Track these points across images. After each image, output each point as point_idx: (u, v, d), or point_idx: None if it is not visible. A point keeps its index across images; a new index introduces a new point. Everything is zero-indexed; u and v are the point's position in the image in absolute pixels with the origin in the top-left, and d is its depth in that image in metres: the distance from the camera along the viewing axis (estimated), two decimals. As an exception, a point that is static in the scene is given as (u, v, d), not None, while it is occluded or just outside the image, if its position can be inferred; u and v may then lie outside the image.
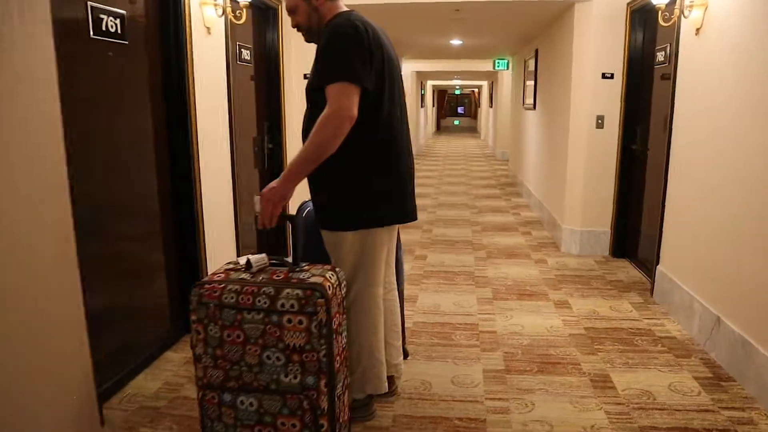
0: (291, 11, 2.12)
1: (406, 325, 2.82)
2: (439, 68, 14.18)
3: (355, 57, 1.91)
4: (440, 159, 14.35)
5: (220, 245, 3.48)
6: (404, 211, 2.19)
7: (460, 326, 3.32)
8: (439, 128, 30.94)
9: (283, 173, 1.98)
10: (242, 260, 1.98)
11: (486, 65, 12.62)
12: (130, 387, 2.58)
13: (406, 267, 4.41)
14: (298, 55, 4.78)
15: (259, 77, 4.41)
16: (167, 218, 3.08)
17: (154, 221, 3.00)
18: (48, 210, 1.83)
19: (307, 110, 2.09)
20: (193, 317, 1.86)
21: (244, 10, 3.45)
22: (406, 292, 3.24)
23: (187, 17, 3.00)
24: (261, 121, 4.50)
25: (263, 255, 1.97)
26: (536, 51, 7.21)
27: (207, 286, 1.85)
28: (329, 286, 1.85)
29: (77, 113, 2.19)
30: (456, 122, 34.19)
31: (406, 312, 2.86)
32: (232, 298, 1.81)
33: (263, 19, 4.39)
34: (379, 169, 2.07)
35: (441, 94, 31.44)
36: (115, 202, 2.67)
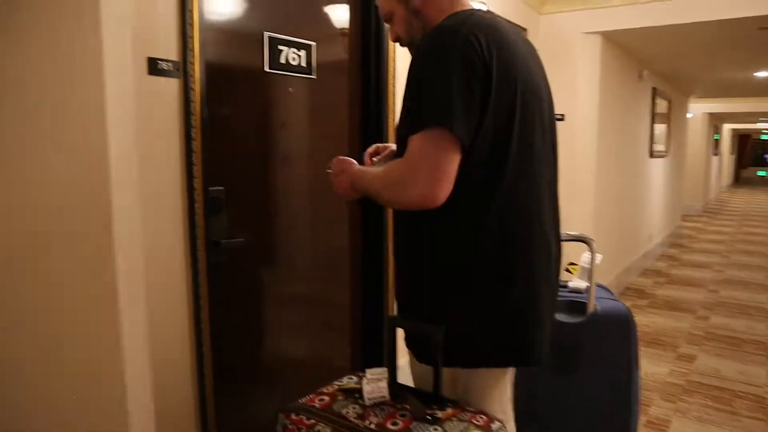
0: (387, 19, 1.45)
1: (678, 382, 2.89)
2: (739, 108, 11.75)
3: (453, 91, 1.16)
4: (735, 218, 11.81)
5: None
6: (530, 347, 1.30)
7: (743, 395, 3.07)
8: (738, 180, 26.35)
9: (362, 173, 1.39)
10: (368, 381, 1.35)
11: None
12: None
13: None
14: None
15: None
16: (357, 273, 2.65)
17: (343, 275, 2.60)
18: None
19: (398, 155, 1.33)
20: (278, 455, 1.29)
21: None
22: (681, 349, 3.40)
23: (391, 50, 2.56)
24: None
25: (383, 382, 1.31)
26: None
27: (293, 417, 1.27)
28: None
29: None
30: (761, 173, 28.81)
31: (680, 369, 3.03)
32: (318, 446, 1.20)
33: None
34: (491, 277, 1.26)
35: (742, 139, 26.79)
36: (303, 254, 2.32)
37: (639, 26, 3.76)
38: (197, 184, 1.80)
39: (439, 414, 1.25)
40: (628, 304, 4.91)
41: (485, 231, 1.24)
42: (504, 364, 1.35)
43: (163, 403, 1.75)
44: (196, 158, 1.78)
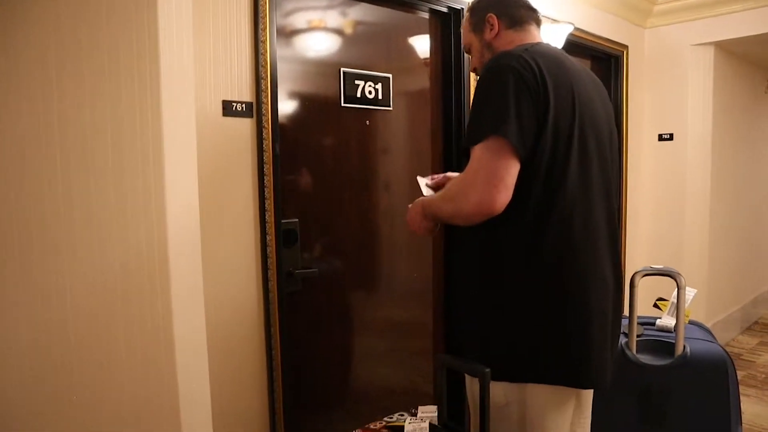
0: (467, 50, 1.58)
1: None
2: None
3: (510, 106, 1.23)
4: None
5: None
6: (585, 367, 1.31)
7: None
8: None
9: (430, 198, 1.47)
10: (410, 421, 1.33)
11: None
12: None
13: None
14: (654, 109, 3.79)
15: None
16: (438, 301, 2.62)
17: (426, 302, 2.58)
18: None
19: None
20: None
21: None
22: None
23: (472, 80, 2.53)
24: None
25: (426, 422, 1.28)
26: None
27: (335, 454, 1.27)
28: None
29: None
30: None
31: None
32: (354, 487, 1.20)
33: (602, 69, 3.61)
34: (544, 297, 1.30)
35: None
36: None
37: (758, 33, 3.42)
38: (269, 217, 1.88)
39: (483, 461, 1.19)
40: (754, 341, 4.44)
41: (540, 252, 1.29)
42: (554, 381, 1.34)
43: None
44: (268, 192, 1.87)
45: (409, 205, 1.54)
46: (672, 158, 3.72)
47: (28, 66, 1.21)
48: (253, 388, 1.89)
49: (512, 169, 1.23)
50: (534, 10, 1.51)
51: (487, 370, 1.24)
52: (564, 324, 1.29)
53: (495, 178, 1.22)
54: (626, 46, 3.56)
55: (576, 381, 1.34)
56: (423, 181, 1.60)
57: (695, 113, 3.67)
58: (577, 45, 3.22)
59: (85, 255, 1.26)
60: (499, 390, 1.34)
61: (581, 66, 1.44)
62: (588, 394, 1.50)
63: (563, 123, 1.28)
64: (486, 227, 1.28)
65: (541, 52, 1.32)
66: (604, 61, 3.57)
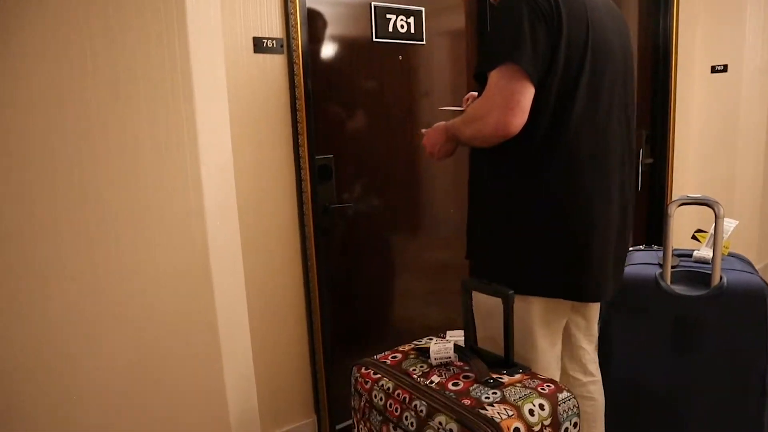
0: None
1: None
2: None
3: (525, 33, 1.27)
4: None
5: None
6: (586, 283, 1.39)
7: None
8: None
9: (452, 122, 1.51)
10: (436, 341, 1.38)
11: None
12: None
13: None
14: (705, 43, 3.59)
15: (642, 73, 3.49)
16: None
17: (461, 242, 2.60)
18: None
19: None
20: (352, 404, 1.38)
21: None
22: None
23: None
24: (638, 129, 3.58)
25: (450, 343, 1.32)
26: None
27: (363, 371, 1.33)
28: (514, 431, 1.08)
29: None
30: None
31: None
32: (380, 399, 1.25)
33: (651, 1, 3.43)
34: (548, 208, 1.36)
35: None
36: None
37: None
38: (303, 152, 1.92)
39: (505, 379, 1.23)
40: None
41: (547, 169, 1.35)
42: (553, 294, 1.42)
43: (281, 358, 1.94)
44: (301, 128, 1.90)
45: (423, 130, 1.62)
46: (726, 91, 3.53)
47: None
48: (292, 322, 1.99)
49: (527, 93, 1.29)
50: None
51: (511, 292, 1.27)
52: (565, 238, 1.36)
53: (511, 101, 1.28)
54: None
55: (574, 294, 1.41)
56: (464, 101, 1.66)
57: (753, 43, 3.46)
58: (623, -28, 3.06)
59: (121, 188, 1.32)
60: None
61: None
62: (592, 309, 1.60)
63: (575, 51, 1.33)
64: (500, 144, 1.35)
65: None
66: (653, -11, 3.39)
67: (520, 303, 1.36)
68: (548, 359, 1.45)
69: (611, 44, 1.41)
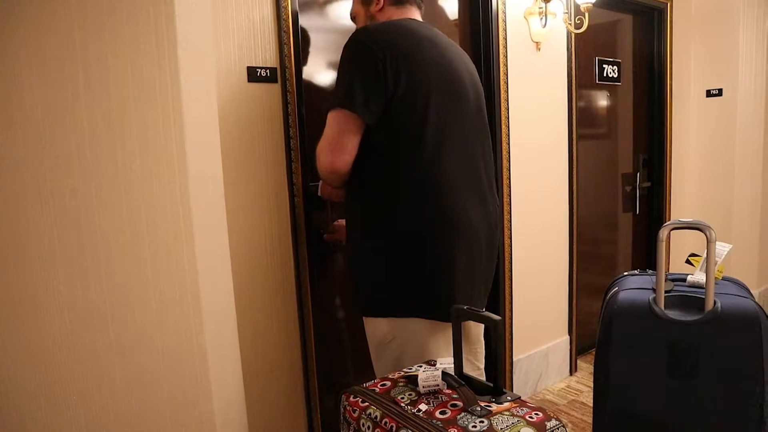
0: (352, 18, 1.77)
1: None
2: None
3: (357, 80, 1.45)
4: None
5: (537, 316, 2.82)
6: (451, 303, 1.42)
7: None
8: None
9: None
10: (424, 369, 1.38)
11: None
12: None
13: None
14: (700, 67, 3.63)
15: (637, 97, 3.53)
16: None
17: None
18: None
19: None
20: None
21: (586, 14, 2.68)
22: None
23: (501, 39, 2.50)
24: (636, 152, 3.62)
25: (438, 371, 1.32)
26: None
27: (351, 399, 1.33)
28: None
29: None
30: None
31: None
32: (368, 428, 1.25)
33: (643, 23, 3.47)
34: (408, 239, 1.52)
35: None
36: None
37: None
38: (296, 179, 1.94)
39: (493, 407, 1.22)
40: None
41: (400, 205, 1.49)
42: (428, 316, 1.55)
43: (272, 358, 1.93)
44: (295, 156, 1.92)
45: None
46: (721, 115, 3.56)
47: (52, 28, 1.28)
48: (286, 349, 1.98)
49: (354, 138, 1.46)
50: None
51: (499, 318, 1.27)
52: (426, 266, 1.51)
53: (337, 144, 1.46)
54: (666, 3, 3.41)
55: (444, 316, 1.50)
56: None
57: (747, 66, 3.49)
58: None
59: (113, 216, 1.34)
60: (384, 326, 1.58)
61: (445, 37, 1.63)
62: (473, 328, 1.72)
63: (419, 89, 1.46)
64: (361, 187, 1.53)
65: (397, 25, 1.52)
66: (646, 14, 3.43)
67: (406, 328, 1.56)
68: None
69: (459, 80, 1.56)
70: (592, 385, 1.81)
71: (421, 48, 1.50)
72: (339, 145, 1.46)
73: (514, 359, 2.64)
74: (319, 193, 1.86)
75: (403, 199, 1.49)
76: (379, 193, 1.51)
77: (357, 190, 1.56)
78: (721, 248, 1.81)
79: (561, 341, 2.99)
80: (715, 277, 1.76)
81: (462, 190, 1.54)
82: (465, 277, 1.56)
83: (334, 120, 1.47)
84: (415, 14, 1.67)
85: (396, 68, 1.43)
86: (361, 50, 1.45)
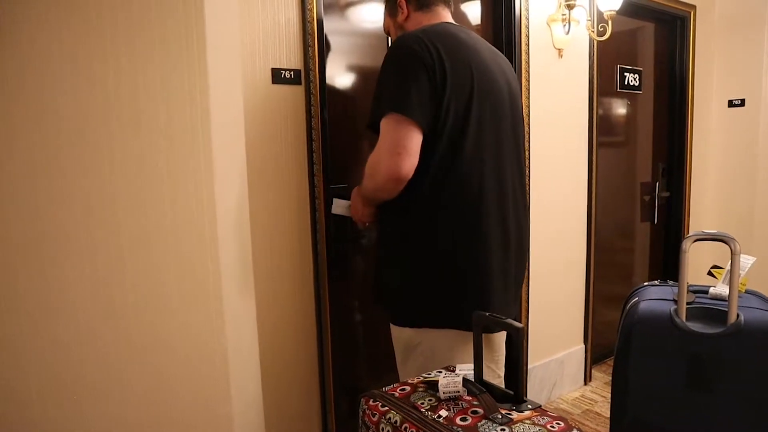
0: (387, 33, 1.77)
1: None
2: None
3: (409, 83, 1.40)
4: None
5: (553, 324, 2.80)
6: (462, 314, 1.43)
7: None
8: None
9: (359, 186, 1.62)
10: (445, 375, 1.37)
11: None
12: None
13: None
14: (722, 78, 3.59)
15: (658, 106, 3.51)
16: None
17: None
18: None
19: None
20: (361, 437, 1.37)
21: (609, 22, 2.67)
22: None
23: (523, 43, 2.49)
24: (655, 161, 3.58)
25: (459, 377, 1.31)
26: None
27: (371, 403, 1.33)
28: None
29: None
30: None
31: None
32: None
33: (666, 32, 3.45)
34: (443, 252, 1.49)
35: None
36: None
37: None
38: (318, 181, 1.94)
39: (514, 415, 1.22)
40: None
41: (438, 214, 1.46)
42: (457, 327, 1.53)
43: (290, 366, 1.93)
44: (317, 158, 1.93)
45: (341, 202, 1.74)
46: (743, 125, 3.52)
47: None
48: (303, 352, 1.99)
49: (414, 138, 1.39)
50: None
51: (522, 326, 1.26)
52: (466, 279, 1.48)
53: (398, 146, 1.38)
54: (694, 6, 3.38)
55: (461, 325, 1.50)
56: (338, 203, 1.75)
57: (771, 76, 3.45)
58: (639, 7, 3.09)
59: (139, 216, 1.35)
60: (410, 332, 1.56)
61: (483, 41, 1.61)
62: (497, 336, 1.68)
63: (461, 96, 1.43)
64: (401, 199, 1.46)
65: (437, 31, 1.47)
66: (669, 23, 3.41)
67: (433, 338, 1.54)
68: None
69: (497, 88, 1.53)
70: (609, 395, 1.80)
71: (464, 54, 1.47)
72: (402, 148, 1.38)
73: (529, 366, 2.64)
74: (346, 213, 1.73)
75: (442, 215, 1.46)
76: (421, 207, 1.47)
77: (397, 203, 1.50)
78: (745, 261, 1.79)
79: (576, 350, 2.97)
80: (738, 290, 1.74)
81: (497, 200, 1.52)
82: (500, 288, 1.54)
83: (390, 125, 1.40)
84: (447, 16, 1.64)
85: (443, 74, 1.41)
86: (409, 55, 1.41)
